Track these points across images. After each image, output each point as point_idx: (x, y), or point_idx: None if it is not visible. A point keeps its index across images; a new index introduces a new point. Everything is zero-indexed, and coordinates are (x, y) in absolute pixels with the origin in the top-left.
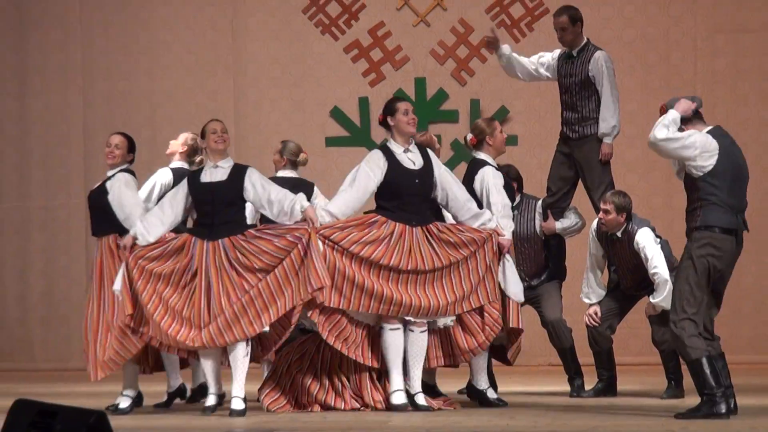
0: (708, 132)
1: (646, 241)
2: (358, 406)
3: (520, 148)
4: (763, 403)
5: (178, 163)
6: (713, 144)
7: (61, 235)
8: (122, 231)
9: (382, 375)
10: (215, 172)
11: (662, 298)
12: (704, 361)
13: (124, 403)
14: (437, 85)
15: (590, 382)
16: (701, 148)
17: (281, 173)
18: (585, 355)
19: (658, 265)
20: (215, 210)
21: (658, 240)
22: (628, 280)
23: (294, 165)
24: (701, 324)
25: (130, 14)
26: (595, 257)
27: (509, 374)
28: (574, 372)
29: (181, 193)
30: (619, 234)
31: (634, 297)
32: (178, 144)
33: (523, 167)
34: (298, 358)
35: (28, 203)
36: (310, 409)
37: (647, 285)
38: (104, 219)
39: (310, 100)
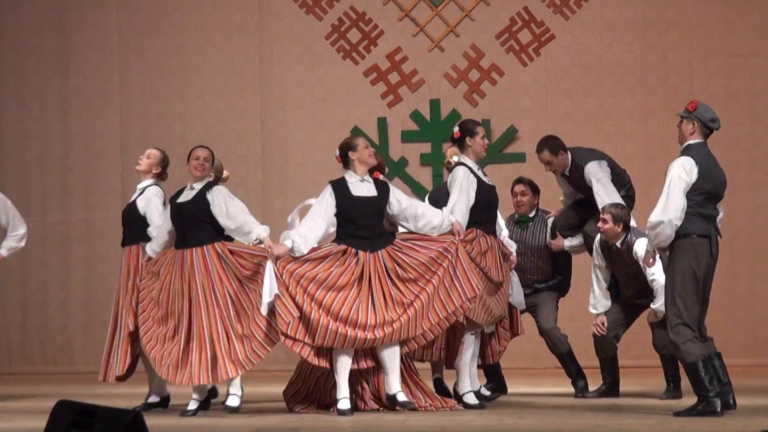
0: (691, 156)
1: (643, 250)
2: (377, 407)
3: (527, 165)
4: (755, 403)
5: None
6: (694, 169)
7: (100, 246)
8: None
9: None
10: (362, 186)
11: (662, 303)
12: (699, 364)
13: (192, 405)
14: (451, 106)
15: (594, 383)
16: (687, 177)
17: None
18: (589, 359)
19: (655, 272)
20: (371, 223)
21: None
22: (629, 289)
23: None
24: (696, 327)
25: (164, 40)
26: (599, 268)
27: (519, 377)
28: (575, 374)
29: (330, 207)
30: (618, 244)
31: (638, 307)
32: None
33: None
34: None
35: (71, 217)
36: (332, 410)
37: (647, 294)
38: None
39: (332, 121)
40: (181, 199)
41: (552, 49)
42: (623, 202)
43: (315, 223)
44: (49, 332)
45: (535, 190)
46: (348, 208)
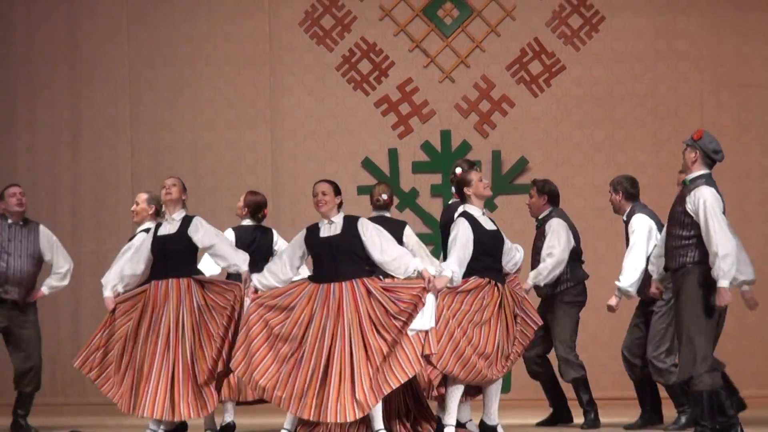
0: (714, 187)
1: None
2: None
3: None
4: None
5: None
6: (719, 197)
7: None
8: None
9: (409, 410)
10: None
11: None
12: (705, 395)
13: None
14: (461, 137)
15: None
16: (720, 206)
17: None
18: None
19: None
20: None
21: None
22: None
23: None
24: (711, 357)
25: (175, 72)
26: None
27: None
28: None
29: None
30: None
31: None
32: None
33: None
34: None
35: (81, 248)
36: None
37: None
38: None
39: (343, 152)
40: (324, 233)
41: (562, 80)
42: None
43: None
44: (60, 363)
45: (541, 192)
46: (486, 240)
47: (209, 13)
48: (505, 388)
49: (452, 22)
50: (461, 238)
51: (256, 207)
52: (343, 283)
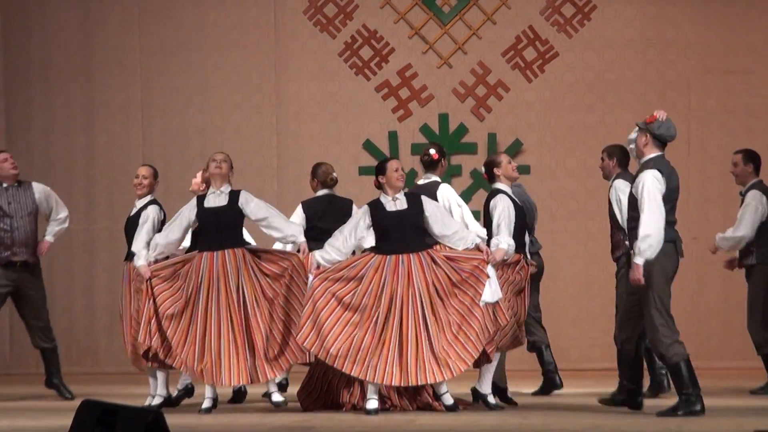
0: (658, 169)
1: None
2: (386, 406)
3: (532, 177)
4: (749, 404)
5: None
6: (663, 181)
7: (122, 253)
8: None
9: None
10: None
11: None
12: (683, 365)
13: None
14: (458, 121)
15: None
16: (661, 187)
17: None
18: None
19: None
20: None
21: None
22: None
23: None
24: (675, 329)
25: (185, 58)
26: None
27: (522, 378)
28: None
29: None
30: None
31: None
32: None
33: (534, 194)
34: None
35: (94, 225)
36: (343, 410)
37: None
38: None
39: (345, 134)
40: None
41: (556, 66)
42: None
43: None
44: (74, 335)
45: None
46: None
47: (217, 1)
48: None
49: (450, 10)
50: (510, 214)
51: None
52: (411, 254)
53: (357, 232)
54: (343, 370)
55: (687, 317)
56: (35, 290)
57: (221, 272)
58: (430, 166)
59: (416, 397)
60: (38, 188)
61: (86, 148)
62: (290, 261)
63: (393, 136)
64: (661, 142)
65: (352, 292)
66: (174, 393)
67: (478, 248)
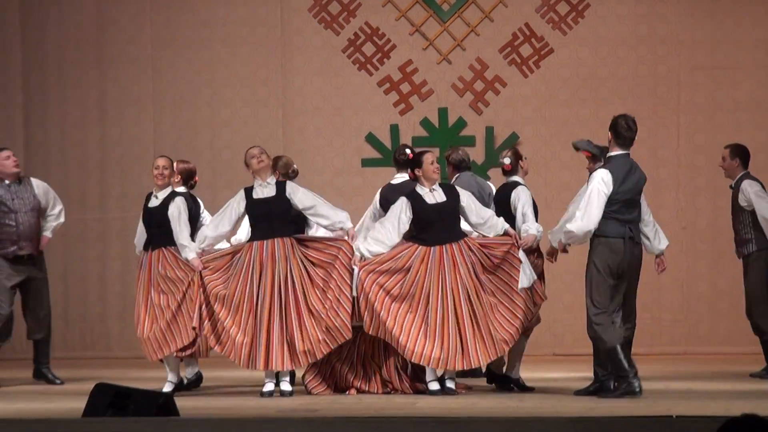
0: (608, 169)
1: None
2: (388, 390)
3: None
4: (736, 388)
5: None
6: (611, 181)
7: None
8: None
9: (407, 364)
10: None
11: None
12: (617, 348)
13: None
14: (457, 114)
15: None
16: (606, 189)
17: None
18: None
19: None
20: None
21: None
22: None
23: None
24: (610, 315)
25: (195, 53)
26: None
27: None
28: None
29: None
30: None
31: None
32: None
33: (531, 185)
34: (337, 350)
35: (108, 215)
36: (347, 393)
37: None
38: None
39: (349, 127)
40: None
41: (551, 62)
42: None
43: None
44: (89, 321)
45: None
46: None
47: None
48: None
49: (449, 8)
50: (532, 203)
51: (188, 175)
52: (452, 244)
53: (400, 225)
54: (413, 360)
55: (677, 304)
56: (40, 281)
57: (270, 260)
58: (403, 165)
59: (416, 382)
60: (37, 183)
61: (100, 140)
62: (340, 248)
63: (394, 130)
64: (623, 139)
65: (400, 283)
66: (185, 379)
67: (506, 233)
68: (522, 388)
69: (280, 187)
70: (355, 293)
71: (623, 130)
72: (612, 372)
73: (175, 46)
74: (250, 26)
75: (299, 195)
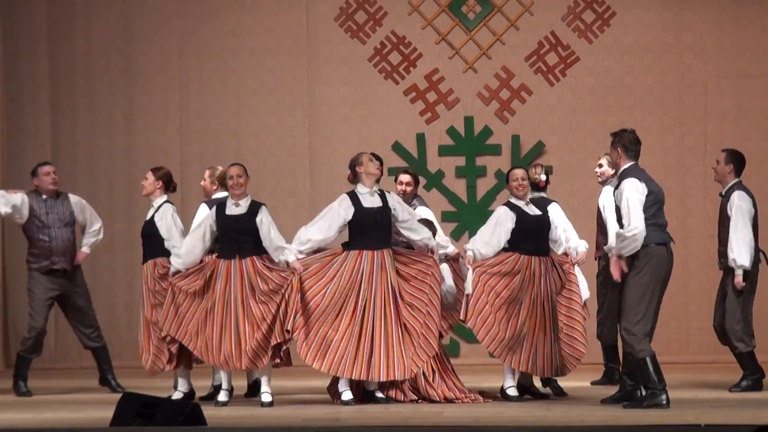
0: (634, 177)
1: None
2: (415, 398)
3: (554, 178)
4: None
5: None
6: (642, 186)
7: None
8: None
9: (435, 373)
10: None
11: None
12: (648, 360)
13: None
14: (483, 123)
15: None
16: (640, 194)
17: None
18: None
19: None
20: None
21: None
22: None
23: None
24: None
25: (221, 63)
26: None
27: None
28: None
29: None
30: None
31: None
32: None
33: (557, 194)
34: None
35: (135, 224)
36: (373, 402)
37: None
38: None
39: (375, 136)
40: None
41: (577, 70)
42: None
43: None
44: (116, 330)
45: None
46: None
47: (252, 8)
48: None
49: (475, 17)
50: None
51: (169, 180)
52: (541, 257)
53: (503, 234)
54: (512, 365)
55: (706, 313)
56: (78, 295)
57: (371, 271)
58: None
59: (442, 390)
60: (74, 200)
61: (127, 149)
62: (430, 264)
63: (421, 138)
64: (632, 151)
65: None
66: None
67: (565, 253)
68: (536, 394)
69: (384, 198)
70: (468, 291)
71: (631, 143)
72: (640, 383)
73: (201, 56)
74: (276, 35)
75: (399, 208)
